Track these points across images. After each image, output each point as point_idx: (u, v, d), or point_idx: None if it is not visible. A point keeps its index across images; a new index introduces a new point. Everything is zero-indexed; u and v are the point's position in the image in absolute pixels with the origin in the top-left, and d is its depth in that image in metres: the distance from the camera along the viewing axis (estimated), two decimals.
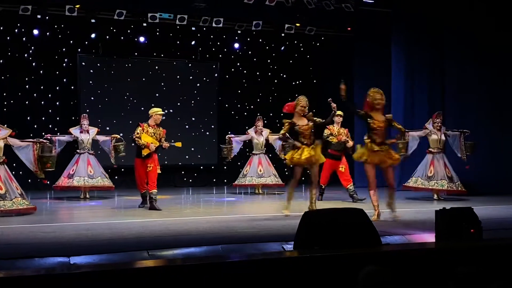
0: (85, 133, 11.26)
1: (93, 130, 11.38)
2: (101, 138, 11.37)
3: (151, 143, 9.61)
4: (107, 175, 11.45)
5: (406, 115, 12.77)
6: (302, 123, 8.64)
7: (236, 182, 12.57)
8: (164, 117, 10.41)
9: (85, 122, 11.30)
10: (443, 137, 10.89)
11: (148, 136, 9.68)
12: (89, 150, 11.28)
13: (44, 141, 9.06)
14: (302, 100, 8.78)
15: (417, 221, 7.84)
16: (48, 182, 10.99)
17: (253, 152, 12.53)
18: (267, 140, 12.46)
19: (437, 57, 12.76)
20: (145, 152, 9.56)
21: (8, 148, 8.91)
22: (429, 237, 6.01)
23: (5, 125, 8.98)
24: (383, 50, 13.42)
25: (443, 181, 10.68)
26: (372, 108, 8.26)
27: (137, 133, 9.70)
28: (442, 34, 12.59)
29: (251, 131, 12.49)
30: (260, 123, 12.45)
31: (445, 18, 12.42)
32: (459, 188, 10.80)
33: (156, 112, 9.97)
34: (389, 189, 8.25)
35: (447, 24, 12.45)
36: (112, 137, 11.41)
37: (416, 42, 12.88)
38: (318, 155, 8.69)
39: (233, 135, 12.46)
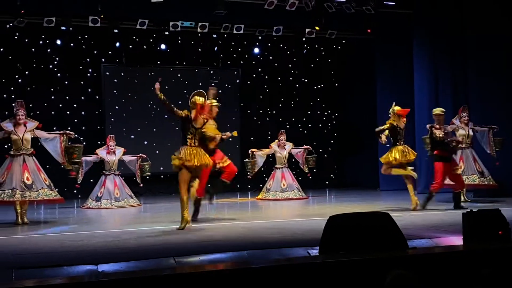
0: (112, 154, 11.40)
1: (120, 151, 11.51)
2: (127, 158, 11.52)
3: (216, 135, 8.66)
4: (132, 194, 11.59)
5: (431, 115, 12.65)
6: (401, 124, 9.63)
7: (259, 196, 12.58)
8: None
9: (111, 143, 11.44)
10: (471, 132, 10.78)
11: (211, 127, 8.70)
12: (115, 171, 11.43)
13: (71, 133, 9.18)
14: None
15: (444, 223, 7.75)
16: (77, 185, 11.16)
17: (276, 166, 12.55)
18: (290, 153, 12.50)
19: (460, 57, 12.64)
20: (212, 145, 8.67)
21: (36, 146, 9.06)
22: (457, 240, 5.95)
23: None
24: (404, 51, 13.35)
25: (474, 176, 10.56)
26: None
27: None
28: (464, 33, 12.48)
29: (273, 145, 12.53)
30: (283, 137, 12.49)
31: (467, 17, 12.32)
32: (491, 183, 10.66)
33: (211, 104, 8.94)
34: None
35: (469, 23, 12.33)
36: (138, 156, 11.54)
37: (438, 42, 12.79)
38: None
39: (255, 149, 12.49)
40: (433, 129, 10.10)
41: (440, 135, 9.58)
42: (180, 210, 7.90)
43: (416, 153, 9.96)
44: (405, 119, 9.77)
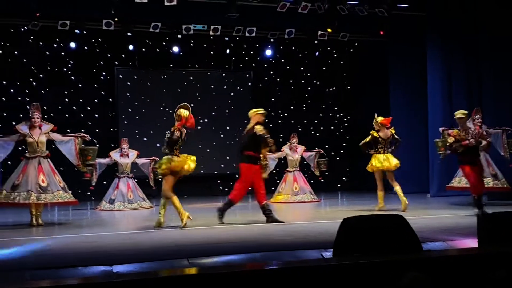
0: (125, 157, 11.47)
1: (133, 154, 11.59)
2: (140, 161, 11.60)
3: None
4: (145, 197, 11.65)
5: (445, 117, 12.61)
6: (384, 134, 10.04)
7: (271, 200, 12.57)
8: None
9: (125, 146, 11.52)
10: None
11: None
12: (128, 174, 11.49)
13: (85, 135, 9.24)
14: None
15: (459, 226, 7.71)
16: (91, 187, 11.24)
17: (288, 169, 12.54)
18: (302, 156, 12.49)
19: (473, 59, 12.60)
20: (266, 150, 9.07)
21: (51, 147, 9.13)
22: (472, 243, 5.91)
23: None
24: (417, 54, 13.33)
25: (488, 179, 10.48)
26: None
27: (260, 128, 8.69)
28: (477, 35, 12.44)
29: (285, 148, 12.52)
30: (294, 140, 12.49)
31: (480, 18, 12.27)
32: (505, 185, 10.59)
33: (257, 112, 9.01)
34: None
35: (482, 25, 12.28)
36: (151, 159, 11.61)
37: (451, 44, 12.76)
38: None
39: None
40: (446, 132, 10.16)
41: (450, 141, 9.48)
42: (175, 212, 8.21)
43: (398, 161, 10.20)
44: (391, 128, 10.26)
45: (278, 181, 13.05)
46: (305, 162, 12.95)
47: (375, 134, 10.22)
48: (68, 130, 13.36)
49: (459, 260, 4.82)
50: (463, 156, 9.38)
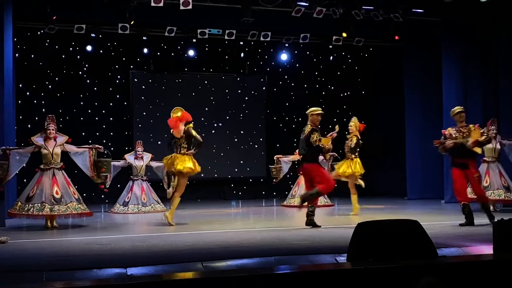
0: (139, 159, 11.53)
1: (147, 156, 11.64)
2: (154, 164, 11.64)
3: (326, 145, 8.59)
4: (159, 200, 11.68)
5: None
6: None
7: (285, 203, 12.57)
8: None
9: (139, 149, 11.58)
10: (498, 146, 10.61)
11: (323, 137, 8.68)
12: (142, 176, 11.54)
13: (100, 147, 9.30)
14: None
15: (474, 233, 7.65)
16: (106, 190, 11.29)
17: (301, 173, 12.52)
18: None
19: (490, 64, 12.50)
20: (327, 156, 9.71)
21: (66, 155, 9.20)
22: (487, 249, 5.87)
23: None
24: (433, 60, 13.27)
25: (500, 190, 10.39)
26: None
27: (316, 138, 8.49)
28: (495, 42, 12.34)
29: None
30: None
31: (497, 24, 12.18)
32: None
33: (313, 112, 8.84)
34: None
35: (499, 31, 12.19)
36: None
37: (467, 51, 12.66)
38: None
39: (281, 155, 12.50)
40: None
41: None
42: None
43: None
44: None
45: (291, 185, 13.02)
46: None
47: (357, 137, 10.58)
48: (83, 133, 13.57)
49: (474, 267, 4.78)
50: (454, 158, 8.72)
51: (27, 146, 9.09)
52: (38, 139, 8.94)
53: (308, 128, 8.65)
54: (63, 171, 9.01)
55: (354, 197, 10.36)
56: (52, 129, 8.94)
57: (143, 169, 11.58)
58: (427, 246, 4.93)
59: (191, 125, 9.11)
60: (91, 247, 6.93)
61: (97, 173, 9.08)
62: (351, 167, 10.38)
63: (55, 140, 8.95)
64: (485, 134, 8.85)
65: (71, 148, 9.12)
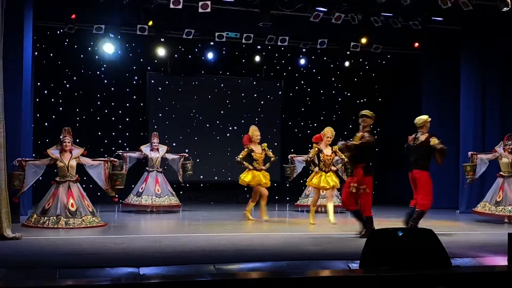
0: (155, 151, 11.57)
1: (163, 148, 11.68)
2: (170, 156, 11.68)
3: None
4: (174, 193, 11.69)
5: (476, 135, 12.42)
6: (327, 152, 9.82)
7: (298, 202, 12.55)
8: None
9: (155, 140, 11.61)
10: None
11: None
12: (157, 168, 11.58)
13: (115, 160, 9.37)
14: (328, 132, 9.90)
15: (488, 244, 7.58)
16: (118, 199, 11.35)
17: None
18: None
19: (510, 74, 12.37)
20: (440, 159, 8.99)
21: (80, 168, 9.29)
22: (501, 261, 5.81)
23: (77, 140, 9.37)
24: (452, 68, 13.17)
25: (511, 206, 10.28)
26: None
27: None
28: None
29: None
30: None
31: None
32: None
33: (427, 120, 8.95)
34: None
35: None
36: (180, 155, 11.71)
37: (487, 59, 12.55)
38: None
39: (295, 155, 12.48)
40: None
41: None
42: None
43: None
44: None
45: (305, 183, 12.97)
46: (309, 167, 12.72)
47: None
48: (99, 133, 13.65)
49: (489, 277, 4.74)
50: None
51: (43, 157, 9.18)
52: (54, 152, 9.04)
53: (423, 136, 8.70)
54: (78, 183, 9.10)
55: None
56: (68, 142, 9.02)
57: (159, 161, 11.61)
58: (441, 255, 4.89)
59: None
60: (104, 245, 6.97)
61: (112, 186, 9.15)
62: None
63: (70, 152, 9.05)
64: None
65: (86, 161, 9.21)
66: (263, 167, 10.41)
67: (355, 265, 5.58)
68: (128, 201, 11.42)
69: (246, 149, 10.37)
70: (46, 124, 13.13)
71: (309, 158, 10.06)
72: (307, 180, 10.27)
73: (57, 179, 9.02)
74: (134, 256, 6.18)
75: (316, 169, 9.91)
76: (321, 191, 12.24)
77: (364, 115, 8.48)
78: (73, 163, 9.02)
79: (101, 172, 9.14)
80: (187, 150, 12.97)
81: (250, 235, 8.26)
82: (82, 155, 9.16)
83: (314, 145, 9.96)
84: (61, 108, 13.53)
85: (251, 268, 5.63)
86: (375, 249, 4.84)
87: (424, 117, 8.95)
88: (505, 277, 4.74)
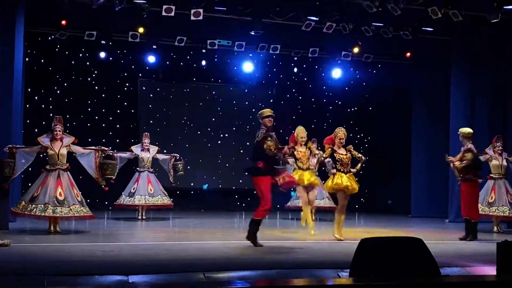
0: (146, 151, 11.54)
1: (154, 149, 11.65)
2: (161, 156, 11.65)
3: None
4: (166, 193, 11.65)
5: None
6: (342, 152, 8.96)
7: (289, 204, 12.53)
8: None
9: (146, 141, 11.59)
10: (504, 163, 10.57)
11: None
12: (149, 168, 11.55)
13: (106, 148, 9.31)
14: (340, 132, 9.07)
15: (477, 253, 7.61)
16: (111, 183, 11.26)
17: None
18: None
19: (498, 83, 12.50)
20: None
21: (71, 157, 9.23)
22: (490, 270, 5.83)
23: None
24: (441, 77, 13.27)
25: (504, 207, 10.32)
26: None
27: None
28: (503, 59, 12.35)
29: None
30: (313, 145, 12.47)
31: (506, 43, 12.19)
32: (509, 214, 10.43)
33: (470, 132, 9.49)
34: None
35: (508, 49, 12.20)
36: (171, 156, 11.68)
37: (476, 69, 12.67)
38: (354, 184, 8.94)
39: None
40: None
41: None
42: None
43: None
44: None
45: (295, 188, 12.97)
46: (323, 168, 12.71)
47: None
48: (89, 139, 13.60)
49: (477, 287, 4.75)
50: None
51: (34, 145, 9.10)
52: (44, 140, 8.96)
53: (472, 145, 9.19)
54: (68, 172, 9.00)
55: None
56: (59, 130, 8.96)
57: (150, 161, 11.57)
58: (430, 264, 4.90)
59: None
60: (93, 253, 6.93)
61: (102, 175, 9.09)
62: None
63: (61, 141, 8.97)
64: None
65: (77, 149, 9.14)
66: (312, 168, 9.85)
67: (345, 274, 5.59)
68: (120, 202, 11.35)
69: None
70: (36, 130, 13.06)
71: (322, 158, 9.12)
72: (324, 184, 9.43)
73: (47, 167, 8.91)
74: (123, 264, 6.15)
75: (334, 170, 8.87)
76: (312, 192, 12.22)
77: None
78: (64, 151, 8.94)
79: (91, 160, 9.07)
80: (178, 157, 12.96)
81: (240, 243, 8.24)
82: (73, 143, 9.10)
83: (327, 145, 9.14)
84: (51, 114, 13.41)
85: (241, 277, 5.62)
86: (365, 258, 4.85)
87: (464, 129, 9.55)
88: (494, 286, 4.77)
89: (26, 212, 8.66)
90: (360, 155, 9.04)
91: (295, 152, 9.48)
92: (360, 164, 9.14)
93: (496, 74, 12.54)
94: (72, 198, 8.82)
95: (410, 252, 4.87)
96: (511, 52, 12.22)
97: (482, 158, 10.78)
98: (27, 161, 8.93)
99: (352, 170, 8.96)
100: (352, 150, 9.03)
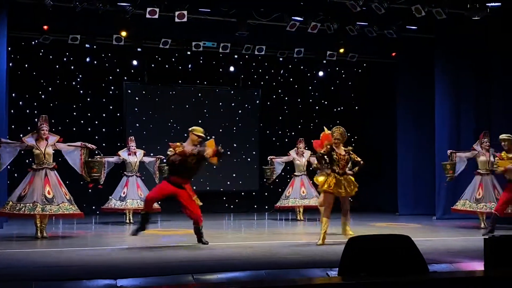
0: (133, 155, 11.51)
1: (140, 152, 11.64)
2: (147, 159, 11.67)
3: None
4: None
5: (452, 139, 12.58)
6: (340, 152, 8.43)
7: (278, 204, 12.56)
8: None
9: (132, 144, 11.56)
10: (491, 158, 10.66)
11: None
12: (136, 172, 11.51)
13: (92, 146, 9.24)
14: (335, 132, 8.57)
15: (465, 249, 7.67)
16: (100, 186, 11.17)
17: (295, 173, 12.58)
18: (308, 161, 12.49)
19: (483, 80, 12.61)
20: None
21: (58, 156, 9.15)
22: (478, 266, 5.87)
23: (53, 150, 9.24)
24: (426, 75, 13.36)
25: (492, 203, 10.40)
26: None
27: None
28: (488, 58, 12.46)
29: (292, 152, 12.59)
30: (301, 145, 12.55)
31: (491, 42, 12.30)
32: (509, 211, 10.49)
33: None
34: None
35: (494, 48, 12.31)
36: (157, 158, 11.69)
37: (461, 67, 12.77)
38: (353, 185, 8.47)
39: (274, 156, 12.60)
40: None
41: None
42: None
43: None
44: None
45: (280, 190, 13.02)
46: (311, 168, 12.74)
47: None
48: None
49: (465, 283, 4.78)
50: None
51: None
52: (28, 139, 8.89)
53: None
54: (55, 171, 8.94)
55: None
56: (46, 130, 8.91)
57: (137, 165, 11.54)
58: (418, 261, 4.93)
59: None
60: (81, 257, 6.89)
61: (88, 173, 9.03)
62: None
63: (47, 140, 8.90)
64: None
65: (61, 146, 9.07)
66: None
67: (333, 273, 5.60)
68: (110, 206, 11.29)
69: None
70: (21, 135, 12.91)
71: (320, 154, 8.40)
72: (319, 185, 8.72)
73: (34, 166, 8.85)
74: (111, 268, 6.12)
75: (328, 171, 8.36)
76: (302, 192, 12.28)
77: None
78: (50, 150, 8.88)
79: (76, 157, 9.01)
80: (165, 160, 12.91)
81: (228, 245, 8.25)
82: (58, 141, 9.03)
83: (326, 143, 8.62)
84: (36, 119, 13.33)
85: (230, 278, 5.62)
86: (353, 257, 4.86)
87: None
88: (482, 282, 4.80)
89: (15, 212, 8.57)
90: (358, 158, 8.55)
91: (333, 153, 8.34)
92: (357, 167, 8.67)
93: (480, 70, 12.65)
94: (60, 196, 8.77)
95: (398, 249, 4.90)
96: (494, 48, 12.32)
97: (469, 154, 10.89)
98: (11, 155, 8.85)
99: (348, 172, 8.52)
100: (351, 152, 8.57)
